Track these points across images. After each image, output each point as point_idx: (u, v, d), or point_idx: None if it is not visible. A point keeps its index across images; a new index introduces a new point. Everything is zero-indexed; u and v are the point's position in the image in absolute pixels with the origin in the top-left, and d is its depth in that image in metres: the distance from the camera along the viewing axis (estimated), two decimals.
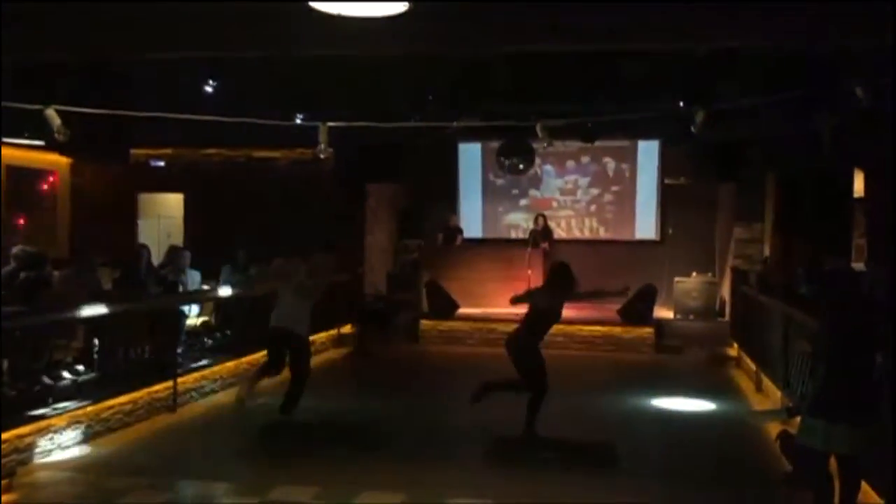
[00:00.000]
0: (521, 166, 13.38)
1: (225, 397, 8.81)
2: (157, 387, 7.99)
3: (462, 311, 13.47)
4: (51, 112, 8.80)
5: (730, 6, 5.80)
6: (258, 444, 7.05)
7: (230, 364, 9.39)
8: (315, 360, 9.04)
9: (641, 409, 8.63)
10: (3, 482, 5.59)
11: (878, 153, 8.24)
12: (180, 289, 9.38)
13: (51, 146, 10.37)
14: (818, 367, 4.78)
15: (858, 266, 8.97)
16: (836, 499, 4.72)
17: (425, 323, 13.08)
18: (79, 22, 6.64)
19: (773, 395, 8.67)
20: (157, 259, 10.39)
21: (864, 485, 4.93)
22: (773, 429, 7.02)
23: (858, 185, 9.63)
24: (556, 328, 7.57)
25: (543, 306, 7.11)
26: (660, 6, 5.83)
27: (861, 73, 7.52)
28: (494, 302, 13.58)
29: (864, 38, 6.18)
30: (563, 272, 7.17)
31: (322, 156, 10.77)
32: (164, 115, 9.54)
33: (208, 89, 10.49)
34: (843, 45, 6.95)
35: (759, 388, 9.46)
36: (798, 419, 4.94)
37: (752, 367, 10.02)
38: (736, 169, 13.19)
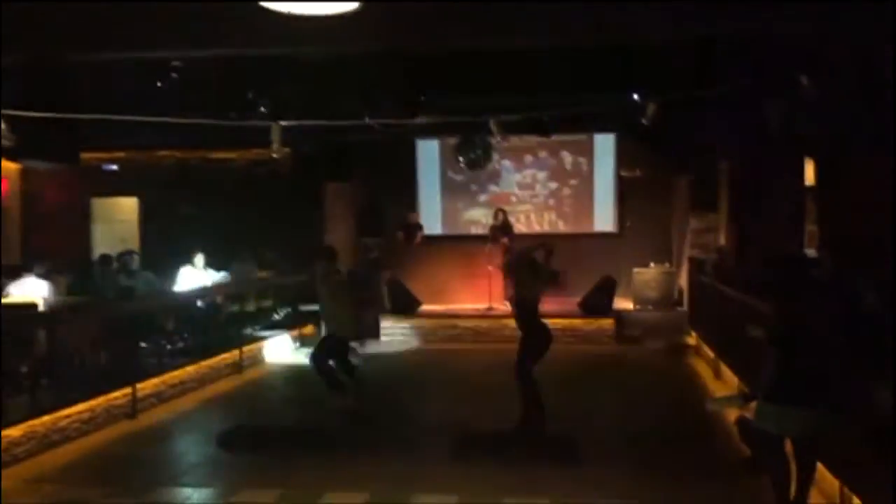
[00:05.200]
0: (478, 162, 13.37)
1: (185, 402, 8.71)
2: (115, 393, 7.87)
3: (424, 307, 13.49)
4: None
5: None
6: (220, 449, 6.97)
7: (190, 369, 9.28)
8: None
9: (603, 400, 8.72)
10: None
11: (828, 142, 8.39)
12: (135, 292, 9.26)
13: None
14: (771, 351, 4.86)
15: (810, 252, 9.14)
16: (794, 482, 4.81)
17: (387, 320, 13.06)
18: (23, 22, 6.50)
19: (731, 382, 8.81)
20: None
21: (819, 467, 5.03)
22: (733, 415, 7.14)
23: (809, 174, 9.80)
24: None
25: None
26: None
27: (812, 61, 7.68)
28: (456, 298, 13.63)
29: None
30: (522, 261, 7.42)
31: (276, 155, 10.63)
32: (115, 118, 9.30)
33: (159, 88, 10.28)
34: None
35: (717, 375, 9.61)
36: (754, 404, 5.03)
37: (711, 354, 10.17)
38: (690, 160, 13.35)
